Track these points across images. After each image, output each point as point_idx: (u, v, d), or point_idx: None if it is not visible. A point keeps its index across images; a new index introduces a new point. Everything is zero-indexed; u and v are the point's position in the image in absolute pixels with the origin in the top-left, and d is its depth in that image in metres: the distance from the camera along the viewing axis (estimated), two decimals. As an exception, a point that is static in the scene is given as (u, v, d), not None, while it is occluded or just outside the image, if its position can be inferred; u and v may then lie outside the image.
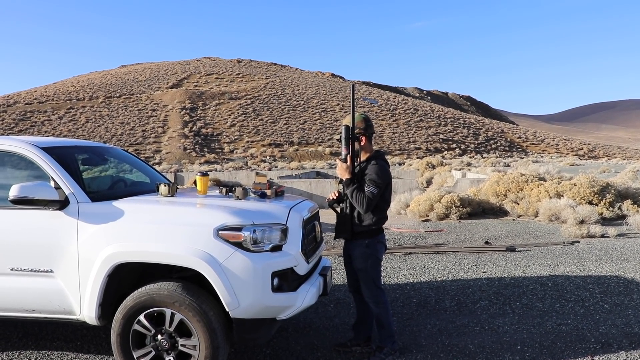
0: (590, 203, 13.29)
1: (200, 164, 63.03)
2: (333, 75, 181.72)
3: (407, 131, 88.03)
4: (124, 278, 4.08)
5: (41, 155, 4.28)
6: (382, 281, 4.77)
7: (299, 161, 64.57)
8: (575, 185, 14.02)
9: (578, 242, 10.15)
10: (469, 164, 48.61)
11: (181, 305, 3.77)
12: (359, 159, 4.61)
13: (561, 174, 18.28)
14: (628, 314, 5.69)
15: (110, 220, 3.98)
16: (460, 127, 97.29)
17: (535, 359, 4.57)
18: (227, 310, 3.77)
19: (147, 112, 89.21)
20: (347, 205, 4.54)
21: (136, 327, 3.89)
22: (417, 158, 63.76)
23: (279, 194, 4.85)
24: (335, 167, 4.63)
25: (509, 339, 5.00)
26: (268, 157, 68.82)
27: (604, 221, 12.45)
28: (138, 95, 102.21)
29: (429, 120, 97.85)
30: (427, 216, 14.51)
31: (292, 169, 46.99)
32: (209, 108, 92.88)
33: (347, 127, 4.46)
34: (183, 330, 3.84)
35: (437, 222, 13.79)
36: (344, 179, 4.50)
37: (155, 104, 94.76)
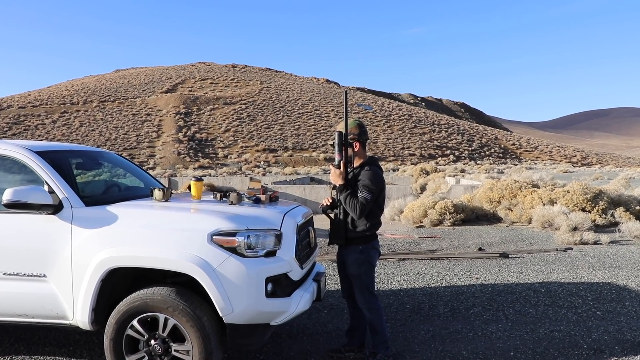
0: (583, 210, 13.34)
1: (195, 169, 62.93)
2: (328, 81, 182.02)
3: (401, 137, 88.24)
4: (117, 283, 4.07)
5: (35, 159, 4.27)
6: (375, 287, 4.77)
7: (293, 167, 64.57)
8: (568, 192, 14.08)
9: (571, 248, 10.18)
10: (462, 171, 48.80)
11: (175, 310, 3.76)
12: (352, 165, 4.62)
13: (554, 180, 18.38)
14: (620, 320, 5.72)
15: (104, 224, 3.97)
16: (454, 133, 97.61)
17: (528, 365, 4.59)
18: (221, 315, 3.76)
19: (141, 117, 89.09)
20: (341, 211, 4.54)
21: (129, 332, 3.88)
22: (411, 164, 63.91)
23: (273, 199, 4.85)
24: (329, 173, 4.64)
25: (502, 346, 5.02)
26: (262, 163, 68.79)
27: (597, 228, 12.50)
28: (132, 99, 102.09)
29: (423, 126, 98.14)
30: (421, 222, 14.52)
31: (286, 175, 46.99)
32: (204, 113, 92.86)
33: (340, 133, 4.47)
34: (176, 335, 3.83)
35: (430, 229, 13.81)
36: (338, 185, 4.50)
37: (149, 108, 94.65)
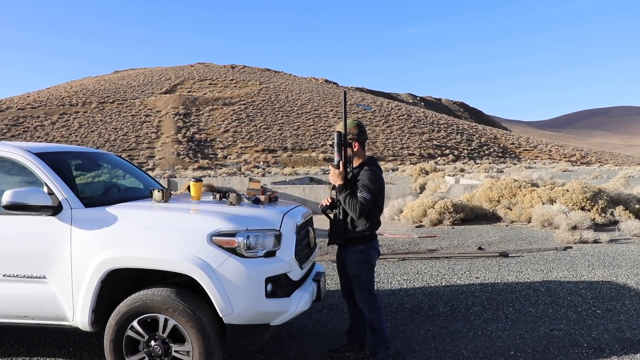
0: (582, 209, 13.35)
1: (194, 169, 62.93)
2: (327, 81, 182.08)
3: (401, 137, 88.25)
4: (117, 284, 4.07)
5: (34, 160, 4.27)
6: (375, 287, 4.77)
7: (293, 167, 64.58)
8: (567, 191, 14.09)
9: (571, 247, 10.19)
10: (462, 170, 48.84)
11: (175, 311, 3.76)
12: (351, 165, 4.62)
13: (554, 179, 18.37)
14: (620, 319, 5.72)
15: (103, 226, 3.97)
16: (454, 133, 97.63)
17: (528, 364, 4.59)
18: (221, 316, 3.77)
19: (140, 118, 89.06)
20: (340, 211, 4.54)
21: (129, 333, 3.88)
22: (411, 164, 63.94)
23: (272, 199, 4.85)
24: (329, 173, 4.64)
25: (502, 345, 5.02)
26: (261, 163, 68.79)
27: (596, 227, 12.50)
28: (131, 100, 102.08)
29: (423, 126, 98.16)
30: (421, 222, 14.53)
31: (285, 175, 46.98)
32: (203, 114, 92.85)
33: (339, 133, 4.47)
34: (177, 336, 3.83)
35: (430, 228, 13.81)
36: (337, 185, 4.51)
37: (148, 109, 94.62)
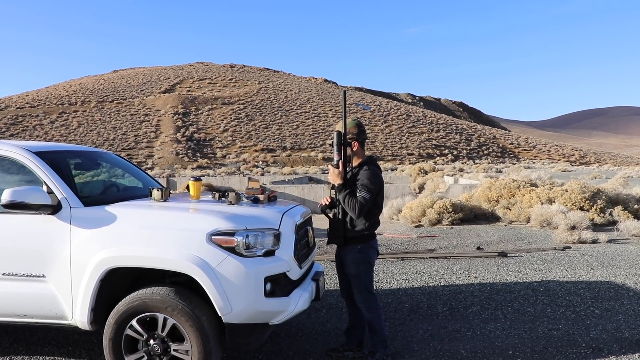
0: (581, 209, 13.36)
1: (193, 169, 62.90)
2: (326, 80, 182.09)
3: (400, 137, 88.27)
4: (116, 283, 4.07)
5: (33, 159, 4.27)
6: (374, 286, 4.78)
7: (292, 166, 64.56)
8: (566, 191, 14.10)
9: (569, 247, 10.20)
10: (461, 170, 48.85)
11: (174, 310, 3.76)
12: (351, 165, 4.62)
13: (553, 180, 18.38)
14: (618, 319, 5.73)
15: (102, 225, 3.97)
16: (453, 133, 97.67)
17: (527, 363, 4.59)
18: (220, 315, 3.77)
19: (139, 117, 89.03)
20: (340, 210, 4.54)
21: (128, 332, 3.88)
22: (410, 164, 63.96)
23: (271, 199, 4.85)
24: (328, 173, 4.64)
25: (501, 344, 5.02)
26: (261, 162, 68.77)
27: (595, 227, 12.52)
28: (130, 100, 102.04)
29: (422, 126, 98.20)
30: (420, 222, 14.53)
31: (284, 174, 46.95)
32: (202, 113, 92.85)
33: (339, 132, 4.47)
34: (176, 335, 3.83)
35: (429, 228, 13.82)
36: (336, 185, 4.51)
37: (147, 108, 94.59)
